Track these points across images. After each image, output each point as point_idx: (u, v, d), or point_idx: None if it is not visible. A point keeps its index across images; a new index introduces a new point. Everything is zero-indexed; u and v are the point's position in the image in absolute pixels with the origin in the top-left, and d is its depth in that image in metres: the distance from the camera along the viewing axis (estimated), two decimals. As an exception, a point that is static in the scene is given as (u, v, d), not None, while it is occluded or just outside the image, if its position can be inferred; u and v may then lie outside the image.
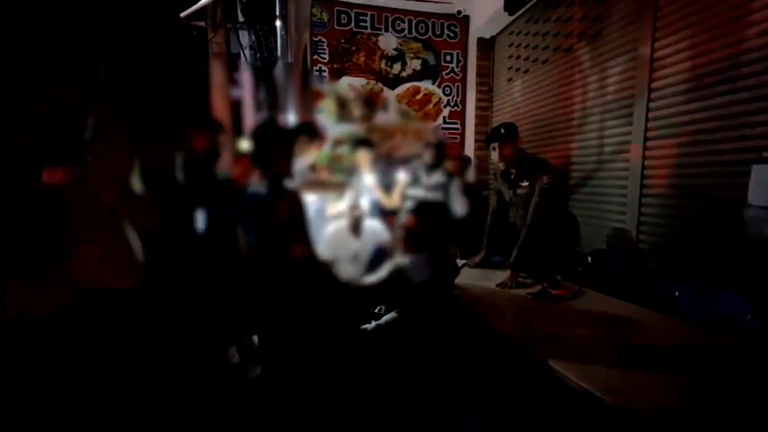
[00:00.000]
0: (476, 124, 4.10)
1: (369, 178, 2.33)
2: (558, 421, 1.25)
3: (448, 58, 4.03)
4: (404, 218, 1.80)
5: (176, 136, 1.59)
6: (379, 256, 1.96)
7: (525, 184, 2.17)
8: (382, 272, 1.78)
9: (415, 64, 3.97)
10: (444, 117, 4.09)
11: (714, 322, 1.52)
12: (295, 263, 1.54)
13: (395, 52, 3.91)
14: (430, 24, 3.94)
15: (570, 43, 2.84)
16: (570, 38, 2.84)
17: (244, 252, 1.54)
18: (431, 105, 4.06)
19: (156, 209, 1.20)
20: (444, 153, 2.49)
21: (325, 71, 3.75)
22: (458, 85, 4.08)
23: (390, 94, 3.94)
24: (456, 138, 4.11)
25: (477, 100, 4.07)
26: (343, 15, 3.74)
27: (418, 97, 4.02)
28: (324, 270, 1.71)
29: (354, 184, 2.26)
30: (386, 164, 2.45)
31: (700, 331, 1.47)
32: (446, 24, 3.97)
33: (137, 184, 1.12)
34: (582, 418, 1.14)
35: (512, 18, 3.46)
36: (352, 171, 2.32)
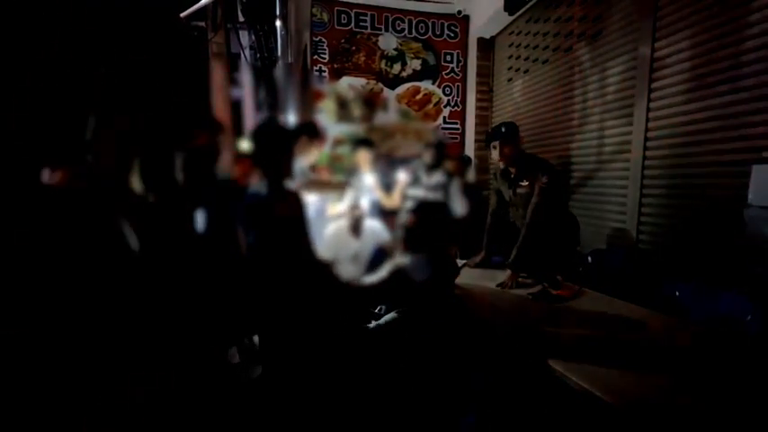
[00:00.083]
0: (476, 124, 4.10)
1: (369, 178, 2.33)
2: (558, 421, 1.25)
3: (448, 58, 4.03)
4: (404, 218, 1.80)
5: (176, 136, 1.59)
6: (380, 256, 1.96)
7: (525, 183, 2.17)
8: (382, 272, 1.78)
9: (415, 64, 3.97)
10: (444, 117, 4.09)
11: (714, 322, 1.52)
12: (295, 263, 1.54)
13: (395, 52, 3.91)
14: (430, 24, 3.94)
15: (570, 43, 2.84)
16: (570, 38, 2.84)
17: (244, 252, 1.54)
18: (431, 105, 4.06)
19: (156, 209, 1.20)
20: (444, 153, 2.49)
21: (325, 71, 3.75)
22: (458, 85, 4.08)
23: (390, 94, 3.94)
24: (456, 138, 4.11)
25: (478, 100, 4.07)
26: (343, 15, 3.74)
27: (418, 97, 4.02)
28: (324, 270, 1.71)
29: (354, 184, 2.26)
30: (386, 164, 2.44)
31: (700, 331, 1.47)
32: (446, 24, 3.98)
33: (137, 184, 1.12)
34: (582, 418, 1.14)
35: (512, 18, 3.46)
36: (352, 171, 2.32)
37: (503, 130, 2.20)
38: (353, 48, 3.80)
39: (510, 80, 3.71)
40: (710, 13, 1.86)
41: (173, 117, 1.31)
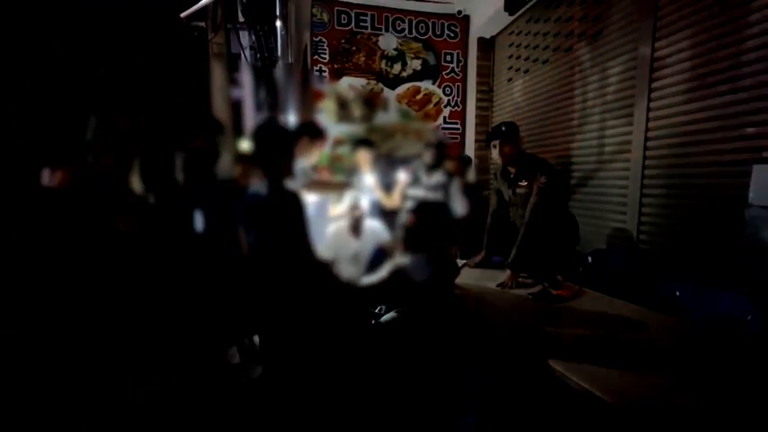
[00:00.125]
0: (476, 124, 4.10)
1: (369, 178, 2.33)
2: (558, 421, 1.25)
3: (448, 58, 4.03)
4: (404, 218, 1.80)
5: (177, 136, 1.59)
6: (380, 256, 1.96)
7: (524, 183, 2.17)
8: (382, 272, 1.78)
9: (416, 64, 3.97)
10: (444, 117, 4.09)
11: (714, 322, 1.52)
12: (295, 263, 1.54)
13: (395, 52, 3.91)
14: (430, 24, 3.94)
15: (570, 43, 2.84)
16: (571, 38, 2.84)
17: (244, 252, 1.54)
18: (431, 105, 4.06)
19: (157, 209, 1.20)
20: (444, 153, 2.49)
21: (325, 71, 3.75)
22: (458, 85, 4.08)
23: (390, 95, 3.94)
24: (456, 138, 4.11)
25: (478, 100, 4.07)
26: (343, 15, 3.74)
27: (418, 97, 4.02)
28: (324, 270, 1.71)
29: (355, 184, 2.26)
30: (386, 164, 2.44)
31: (700, 331, 1.47)
32: (446, 24, 3.97)
33: (137, 184, 1.12)
34: (582, 418, 1.14)
35: (512, 18, 3.46)
36: (352, 171, 2.32)
37: (503, 129, 2.21)
38: (354, 48, 3.80)
39: (510, 80, 3.71)
40: (711, 13, 1.86)
41: (173, 117, 1.31)
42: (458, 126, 4.13)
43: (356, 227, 2.17)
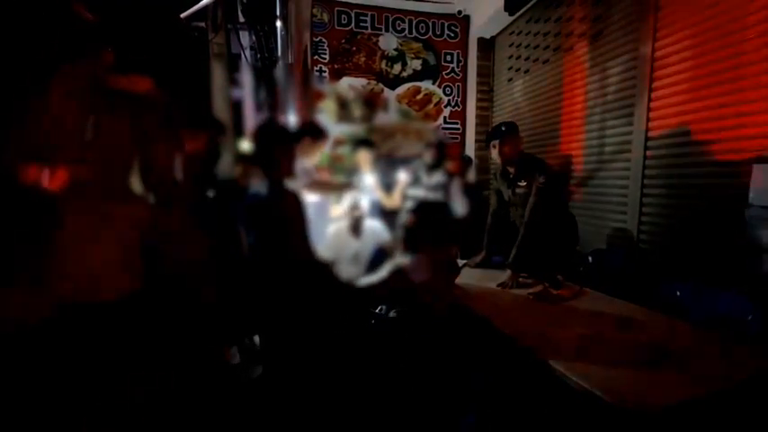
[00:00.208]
0: (476, 124, 4.10)
1: (369, 178, 2.33)
2: (559, 421, 1.25)
3: (448, 58, 4.03)
4: (404, 218, 1.80)
5: (177, 136, 1.59)
6: (380, 256, 1.96)
7: (523, 183, 2.18)
8: (383, 272, 1.78)
9: (416, 64, 3.97)
10: (445, 117, 4.09)
11: (714, 322, 1.51)
12: (295, 263, 1.55)
13: (395, 52, 3.91)
14: (430, 24, 3.94)
15: (571, 43, 2.83)
16: (571, 38, 2.84)
17: (245, 252, 1.54)
18: (431, 105, 4.06)
19: (157, 210, 1.20)
20: (445, 153, 2.49)
21: (325, 71, 3.75)
22: (458, 86, 4.08)
23: (391, 95, 3.94)
24: (456, 138, 4.11)
25: (478, 100, 4.07)
26: (343, 16, 3.74)
27: (419, 97, 4.02)
28: (324, 270, 1.71)
29: (355, 184, 2.26)
30: (386, 164, 2.44)
31: (700, 331, 1.47)
32: (446, 24, 3.97)
33: (137, 185, 1.12)
34: (582, 418, 1.14)
35: (512, 18, 3.46)
36: (352, 171, 2.32)
37: (503, 129, 2.22)
38: (354, 48, 3.80)
39: (510, 80, 3.71)
40: (711, 13, 1.86)
41: (173, 117, 1.31)
42: (458, 126, 4.13)
43: (356, 227, 2.17)
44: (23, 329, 0.90)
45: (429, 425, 1.24)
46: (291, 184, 1.62)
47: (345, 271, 1.90)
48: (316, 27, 3.60)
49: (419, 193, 2.35)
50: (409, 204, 2.05)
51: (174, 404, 1.16)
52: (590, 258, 2.27)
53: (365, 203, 2.17)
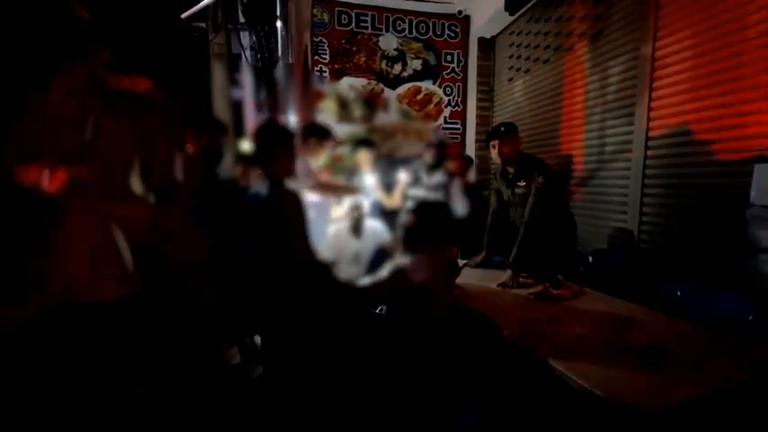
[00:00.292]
0: (477, 124, 4.10)
1: (370, 179, 2.34)
2: (559, 421, 1.25)
3: (449, 58, 4.03)
4: (405, 218, 1.80)
5: (177, 136, 1.59)
6: (380, 256, 1.96)
7: (522, 183, 2.18)
8: (383, 272, 1.78)
9: (416, 64, 3.97)
10: (445, 117, 4.09)
11: (715, 322, 1.51)
12: (296, 263, 1.55)
13: (395, 52, 3.91)
14: (430, 24, 3.94)
15: (571, 43, 2.83)
16: (571, 37, 2.83)
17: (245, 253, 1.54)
18: (432, 105, 4.06)
19: (157, 210, 1.20)
20: (445, 153, 2.49)
21: (325, 72, 3.75)
22: (459, 86, 4.08)
23: (391, 95, 3.94)
24: (457, 138, 4.11)
25: (478, 100, 4.07)
26: (343, 16, 3.74)
27: (419, 97, 4.02)
28: (325, 271, 1.71)
29: (355, 184, 2.27)
30: (387, 164, 2.45)
31: (701, 331, 1.47)
32: (447, 24, 3.97)
33: (137, 185, 1.13)
34: (583, 418, 1.14)
35: (512, 18, 3.46)
36: (353, 172, 2.32)
37: (502, 129, 2.22)
38: (354, 48, 3.80)
39: (511, 80, 3.71)
40: (711, 13, 1.85)
41: (173, 118, 1.31)
42: (458, 126, 4.12)
43: (357, 227, 2.17)
44: (23, 330, 0.90)
45: (429, 425, 1.24)
46: (292, 184, 1.62)
47: (346, 271, 1.90)
48: (316, 27, 3.60)
49: (419, 193, 2.35)
50: (409, 204, 2.05)
51: (174, 404, 1.16)
52: (590, 258, 2.26)
53: (366, 204, 2.18)
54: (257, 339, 1.96)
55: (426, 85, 4.02)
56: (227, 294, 1.46)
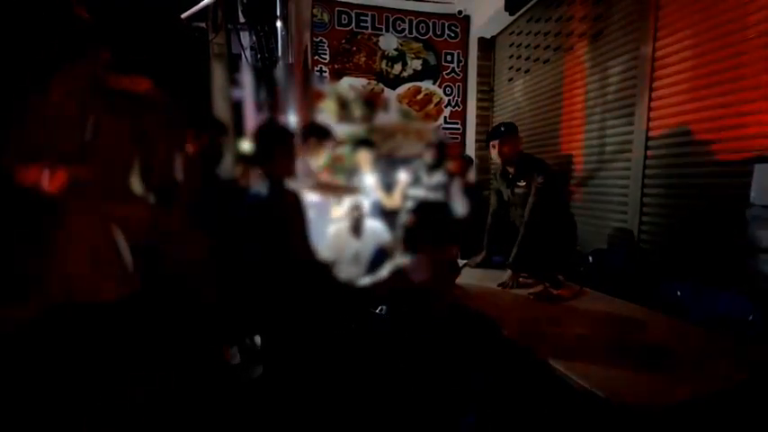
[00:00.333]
0: (477, 124, 4.10)
1: (370, 179, 2.34)
2: (559, 421, 1.25)
3: (449, 58, 4.03)
4: (405, 218, 1.80)
5: (177, 136, 1.59)
6: (380, 256, 1.96)
7: (522, 183, 2.18)
8: (383, 272, 1.78)
9: (416, 64, 3.97)
10: (445, 117, 4.09)
11: (715, 322, 1.51)
12: (296, 264, 1.55)
13: (395, 52, 3.91)
14: (430, 24, 3.94)
15: (571, 43, 2.83)
16: (571, 37, 2.83)
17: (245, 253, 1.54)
18: (432, 105, 4.06)
19: (157, 210, 1.20)
20: (445, 153, 2.49)
21: (325, 72, 3.75)
22: (459, 86, 4.08)
23: (391, 95, 3.94)
24: (457, 138, 4.11)
25: (478, 100, 4.07)
26: (343, 16, 3.74)
27: (419, 97, 4.02)
28: (325, 271, 1.71)
29: (355, 184, 2.27)
30: (387, 164, 2.45)
31: (701, 331, 1.47)
32: (447, 24, 3.97)
33: (137, 185, 1.13)
34: (583, 418, 1.14)
35: (512, 18, 3.46)
36: (353, 172, 2.32)
37: (502, 129, 2.23)
38: (354, 48, 3.80)
39: (511, 80, 3.71)
40: (711, 13, 1.85)
41: (173, 118, 1.31)
42: (458, 126, 4.12)
43: (357, 227, 2.17)
44: (23, 330, 0.90)
45: (429, 425, 1.24)
46: (292, 185, 1.62)
47: (346, 271, 1.90)
48: (316, 27, 3.60)
49: (419, 193, 2.35)
50: (409, 204, 2.05)
51: (174, 404, 1.16)
52: (590, 258, 2.26)
53: (366, 204, 2.18)
54: (257, 339, 1.96)
55: (426, 85, 4.02)
56: (227, 294, 1.46)
